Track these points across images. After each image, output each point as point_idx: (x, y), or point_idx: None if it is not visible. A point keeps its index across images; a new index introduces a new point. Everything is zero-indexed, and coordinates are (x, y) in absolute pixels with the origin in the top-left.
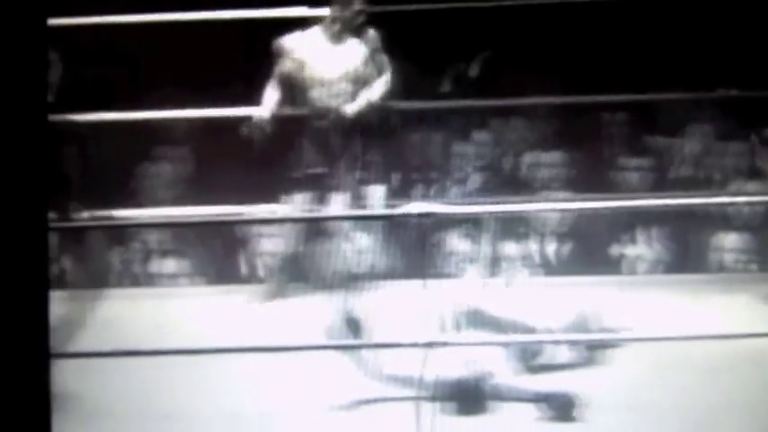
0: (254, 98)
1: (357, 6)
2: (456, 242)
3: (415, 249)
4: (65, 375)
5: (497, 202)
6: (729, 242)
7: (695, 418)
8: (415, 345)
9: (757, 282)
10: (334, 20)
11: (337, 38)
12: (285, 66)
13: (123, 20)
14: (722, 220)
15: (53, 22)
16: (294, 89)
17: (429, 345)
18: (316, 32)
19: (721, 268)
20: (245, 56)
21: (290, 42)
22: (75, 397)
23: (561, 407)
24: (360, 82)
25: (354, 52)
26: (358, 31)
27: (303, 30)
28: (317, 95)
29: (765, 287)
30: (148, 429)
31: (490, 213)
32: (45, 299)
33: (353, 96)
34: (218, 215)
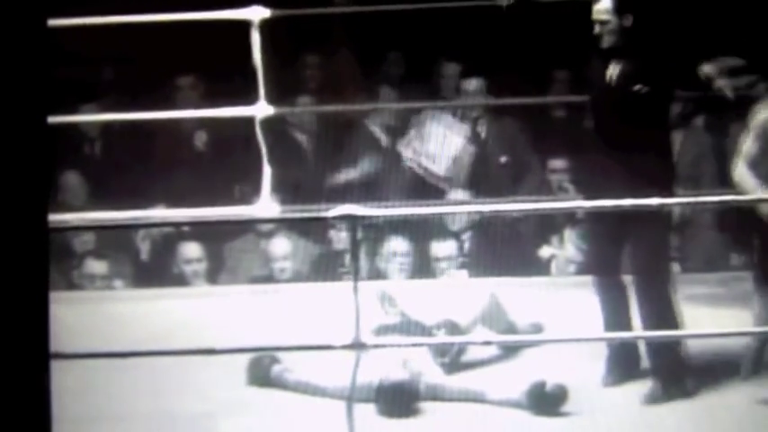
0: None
1: None
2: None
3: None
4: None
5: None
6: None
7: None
8: (345, 347)
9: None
10: None
11: None
12: None
13: (123, 20)
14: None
15: (53, 22)
16: None
17: (359, 346)
18: None
19: None
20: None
21: None
22: (75, 397)
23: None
24: None
25: None
26: None
27: None
28: None
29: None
30: (148, 430)
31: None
32: (45, 299)
33: None
34: (212, 215)
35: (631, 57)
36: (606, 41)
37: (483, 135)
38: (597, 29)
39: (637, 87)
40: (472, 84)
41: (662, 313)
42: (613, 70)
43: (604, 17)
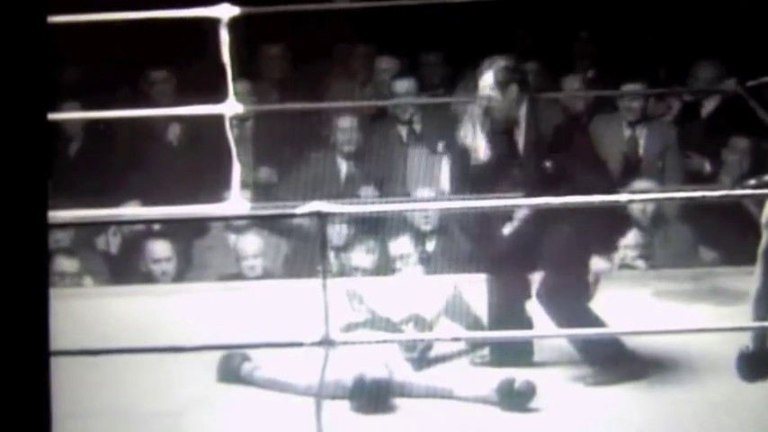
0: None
1: None
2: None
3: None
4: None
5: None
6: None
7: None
8: (314, 344)
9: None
10: None
11: None
12: None
13: (122, 18)
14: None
15: (53, 21)
16: None
17: (328, 344)
18: None
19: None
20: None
21: None
22: (75, 396)
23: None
24: None
25: None
26: None
27: None
28: None
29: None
30: (115, 427)
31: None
32: (45, 298)
33: None
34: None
35: (528, 130)
36: (497, 115)
37: (419, 131)
38: (484, 104)
39: (547, 165)
40: (403, 84)
41: None
42: (515, 141)
43: (488, 92)
